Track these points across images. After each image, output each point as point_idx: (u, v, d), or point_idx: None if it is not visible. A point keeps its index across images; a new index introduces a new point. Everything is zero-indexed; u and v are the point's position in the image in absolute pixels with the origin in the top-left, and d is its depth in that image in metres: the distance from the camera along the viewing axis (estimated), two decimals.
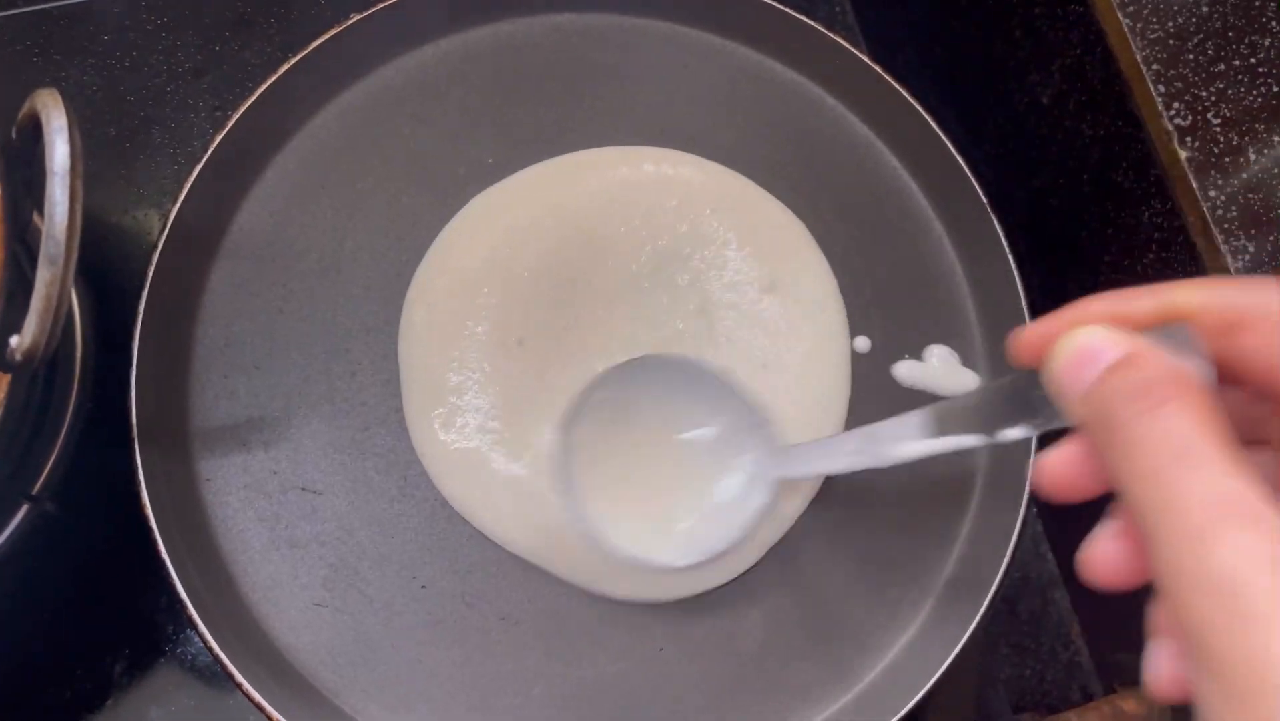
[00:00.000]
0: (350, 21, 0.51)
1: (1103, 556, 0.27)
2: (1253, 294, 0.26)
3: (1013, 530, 0.46)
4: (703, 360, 0.44)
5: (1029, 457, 0.47)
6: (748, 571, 0.47)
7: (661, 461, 0.44)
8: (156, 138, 0.58)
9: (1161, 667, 0.25)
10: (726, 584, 0.47)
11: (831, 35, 0.52)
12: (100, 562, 0.52)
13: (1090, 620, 0.62)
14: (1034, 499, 0.47)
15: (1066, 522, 0.63)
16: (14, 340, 0.36)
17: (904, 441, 0.37)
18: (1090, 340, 0.25)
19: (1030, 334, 0.28)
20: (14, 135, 0.38)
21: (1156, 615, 0.26)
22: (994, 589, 0.45)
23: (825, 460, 0.42)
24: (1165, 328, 0.26)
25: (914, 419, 0.36)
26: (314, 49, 0.50)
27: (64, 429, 0.49)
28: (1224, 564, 0.21)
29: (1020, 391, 0.30)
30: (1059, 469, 0.28)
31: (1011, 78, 0.56)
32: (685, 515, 0.43)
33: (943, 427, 0.35)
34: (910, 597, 0.48)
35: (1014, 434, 0.31)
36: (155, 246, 0.47)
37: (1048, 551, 0.64)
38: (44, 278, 0.34)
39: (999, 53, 0.58)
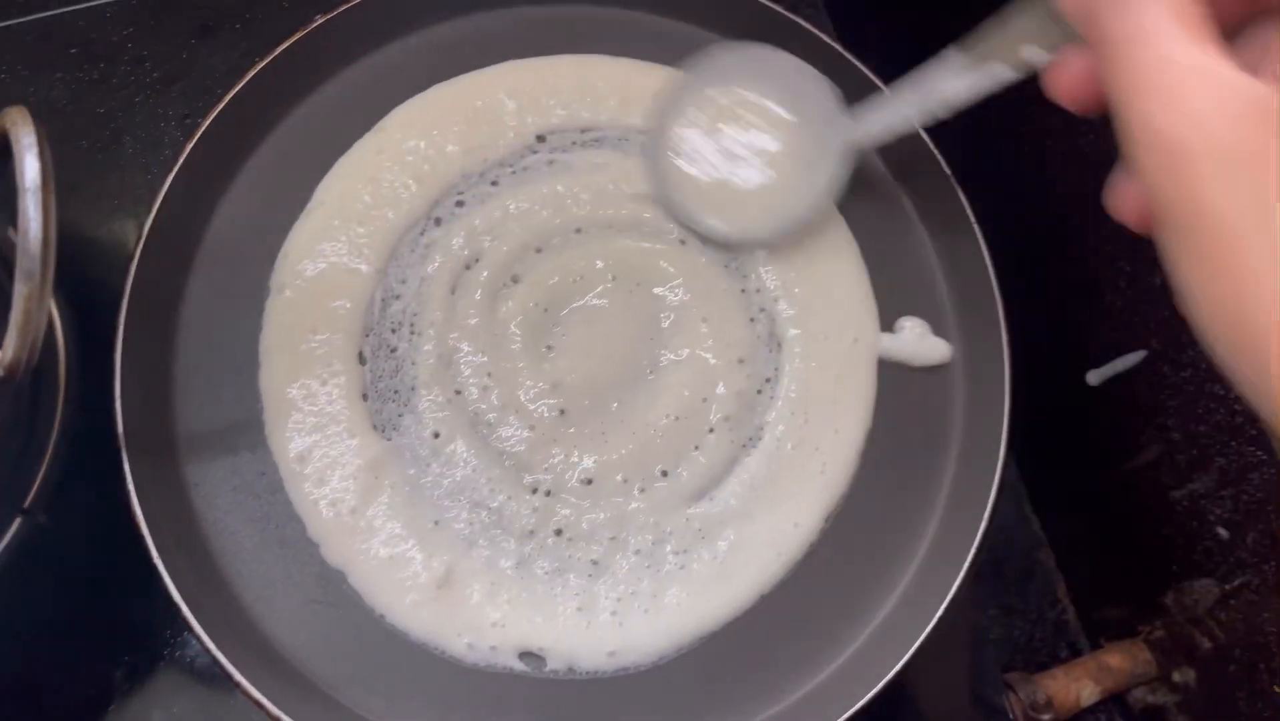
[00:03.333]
0: (315, 24, 0.52)
1: (1125, 194, 0.30)
2: None
3: (990, 490, 0.47)
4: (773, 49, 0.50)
5: (1003, 420, 0.48)
6: None
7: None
8: (128, 148, 0.59)
9: (1126, 197, 0.29)
10: None
11: (791, 16, 0.53)
12: (95, 571, 0.52)
13: (1076, 579, 0.63)
14: (1010, 459, 0.48)
15: (1049, 486, 0.64)
16: None
17: (948, 79, 0.42)
18: None
19: None
20: None
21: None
22: (973, 550, 0.46)
23: (890, 115, 0.47)
24: None
25: (949, 59, 0.42)
26: (281, 52, 0.51)
27: (52, 441, 0.49)
28: (1170, 121, 0.24)
29: (1036, 16, 0.35)
30: (1066, 77, 0.31)
31: None
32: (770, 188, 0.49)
33: (976, 61, 0.40)
34: (894, 564, 0.49)
35: (1035, 56, 0.36)
36: (132, 256, 0.47)
37: (1031, 513, 0.65)
38: (21, 293, 0.35)
39: (962, 26, 0.59)
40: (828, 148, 0.49)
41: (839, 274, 0.52)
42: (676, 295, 0.51)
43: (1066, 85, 0.31)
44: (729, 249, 0.51)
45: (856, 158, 0.49)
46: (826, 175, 0.49)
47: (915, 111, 0.45)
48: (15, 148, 0.35)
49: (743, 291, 0.51)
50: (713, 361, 0.50)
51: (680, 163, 0.51)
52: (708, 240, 0.51)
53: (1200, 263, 0.24)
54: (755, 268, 0.51)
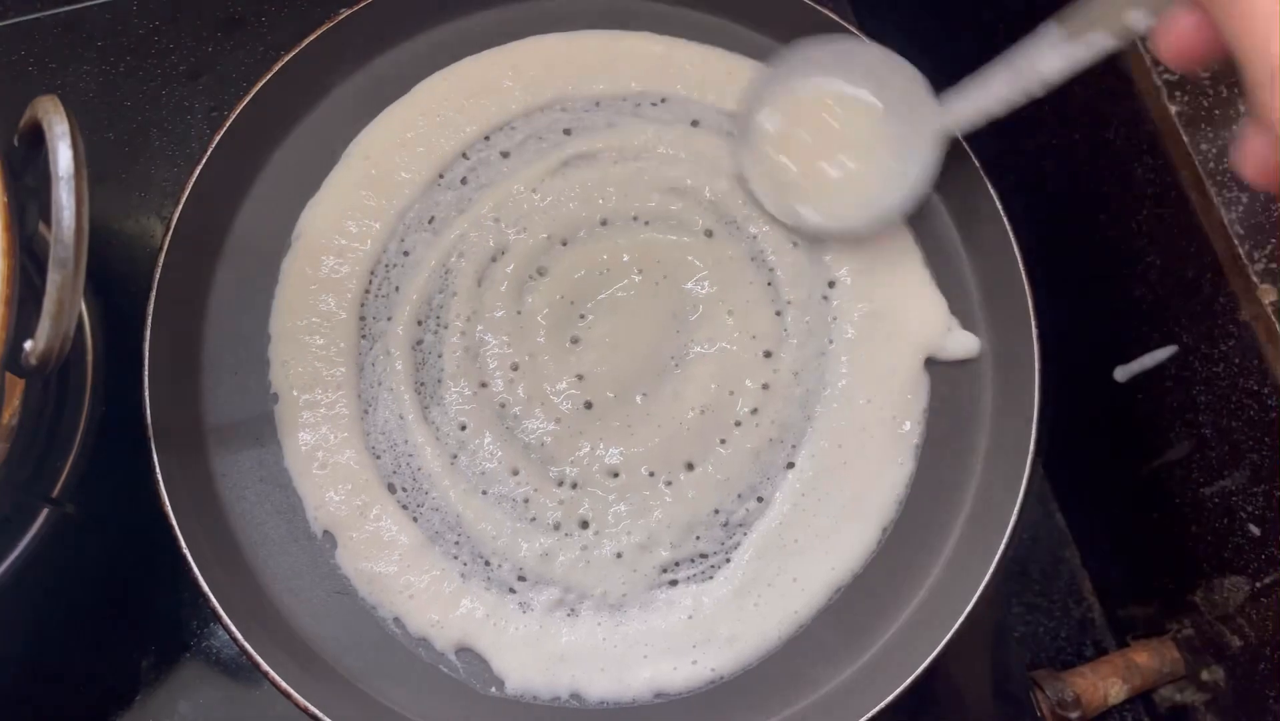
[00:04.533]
0: (340, 17, 0.52)
1: (1249, 150, 0.30)
2: None
3: (1019, 490, 0.47)
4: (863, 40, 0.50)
5: (1031, 424, 0.48)
6: None
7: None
8: (154, 140, 0.59)
9: (1257, 153, 0.30)
10: None
11: (814, 5, 0.52)
12: (122, 562, 0.52)
13: (1102, 576, 0.63)
14: (1039, 461, 0.47)
15: (1075, 483, 0.64)
16: (28, 345, 0.36)
17: (1044, 55, 0.41)
18: None
19: None
20: (15, 143, 0.39)
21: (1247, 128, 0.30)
22: (1002, 548, 0.46)
23: (982, 97, 0.46)
24: None
25: (1045, 31, 0.40)
26: (307, 45, 0.51)
27: (79, 432, 0.50)
28: None
29: None
30: (1177, 37, 0.32)
31: (1002, 40, 0.56)
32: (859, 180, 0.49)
33: (1074, 33, 0.39)
34: (921, 560, 0.49)
35: (1139, 22, 0.35)
36: (160, 248, 0.47)
37: (1057, 511, 0.64)
38: (55, 282, 0.35)
39: (988, 16, 0.58)
40: (919, 136, 0.48)
41: (900, 270, 0.51)
42: (703, 288, 0.50)
43: (1177, 44, 0.32)
44: (819, 240, 0.51)
45: (949, 145, 0.49)
46: (919, 164, 0.48)
47: (1010, 91, 0.44)
48: (48, 136, 0.35)
49: (769, 285, 0.51)
50: (739, 353, 0.49)
51: (769, 150, 0.50)
52: (797, 231, 0.50)
53: None
54: (820, 255, 0.51)
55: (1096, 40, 0.39)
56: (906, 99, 0.49)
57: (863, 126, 0.50)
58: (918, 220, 0.52)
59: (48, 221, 0.37)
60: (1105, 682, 0.54)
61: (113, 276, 0.54)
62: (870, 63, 0.49)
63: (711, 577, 0.47)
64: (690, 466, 0.48)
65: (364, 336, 0.49)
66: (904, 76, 0.49)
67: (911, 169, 0.49)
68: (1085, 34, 0.39)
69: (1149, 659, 0.56)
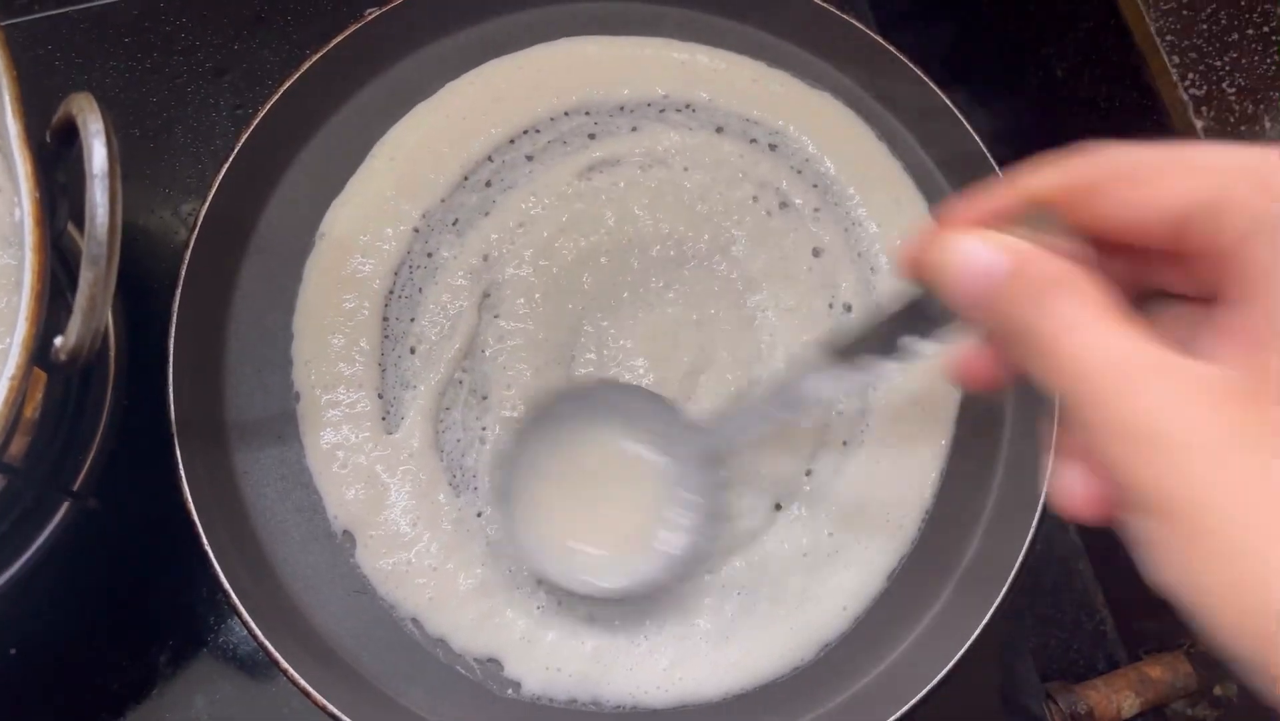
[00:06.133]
0: (369, 17, 0.52)
1: (1066, 482, 0.28)
2: (1094, 161, 0.27)
3: (1035, 509, 0.47)
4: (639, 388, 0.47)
5: (1050, 444, 0.47)
6: None
7: (607, 485, 0.45)
8: (179, 137, 0.59)
9: (1076, 488, 0.27)
10: None
11: (840, 14, 0.52)
12: (140, 556, 0.53)
13: (1114, 589, 0.63)
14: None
15: None
16: (58, 341, 0.37)
17: (815, 381, 0.38)
18: (971, 249, 0.27)
19: (914, 248, 0.30)
20: (48, 139, 0.39)
21: (1064, 443, 0.28)
22: (1018, 564, 0.46)
23: (750, 426, 0.43)
24: (1029, 215, 0.27)
25: (814, 358, 0.37)
26: (335, 45, 0.51)
27: (101, 426, 0.50)
28: (1138, 412, 0.23)
29: (917, 307, 0.31)
30: (970, 364, 0.31)
31: (1026, 52, 0.57)
32: (630, 540, 0.45)
33: (846, 357, 0.36)
34: (938, 571, 0.49)
35: (918, 348, 0.32)
36: (186, 245, 0.47)
37: (1070, 523, 0.64)
38: (87, 279, 0.35)
39: (1012, 27, 0.59)
40: (690, 468, 0.45)
41: None
42: (728, 295, 0.50)
43: (970, 373, 0.32)
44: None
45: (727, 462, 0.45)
46: (698, 497, 0.45)
47: (780, 413, 0.42)
48: (83, 133, 0.35)
49: (756, 323, 0.51)
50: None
51: (546, 529, 0.45)
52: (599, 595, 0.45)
53: (1193, 549, 0.23)
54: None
55: (870, 365, 0.35)
56: (668, 435, 0.45)
57: (634, 481, 0.46)
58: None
59: (77, 219, 0.37)
60: (1119, 696, 0.54)
61: (135, 272, 0.54)
62: (628, 405, 0.46)
63: (738, 591, 0.47)
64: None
65: (386, 336, 0.50)
66: (660, 410, 0.46)
67: (687, 511, 0.45)
68: (857, 359, 0.36)
69: (1162, 672, 0.56)
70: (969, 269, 0.27)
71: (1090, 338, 0.24)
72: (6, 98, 0.37)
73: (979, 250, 0.27)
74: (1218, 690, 0.55)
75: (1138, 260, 0.28)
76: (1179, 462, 0.23)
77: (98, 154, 0.35)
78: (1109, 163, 0.27)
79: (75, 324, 0.36)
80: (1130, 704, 0.54)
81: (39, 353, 0.36)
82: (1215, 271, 0.26)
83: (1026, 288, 0.26)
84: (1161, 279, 0.29)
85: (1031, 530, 0.46)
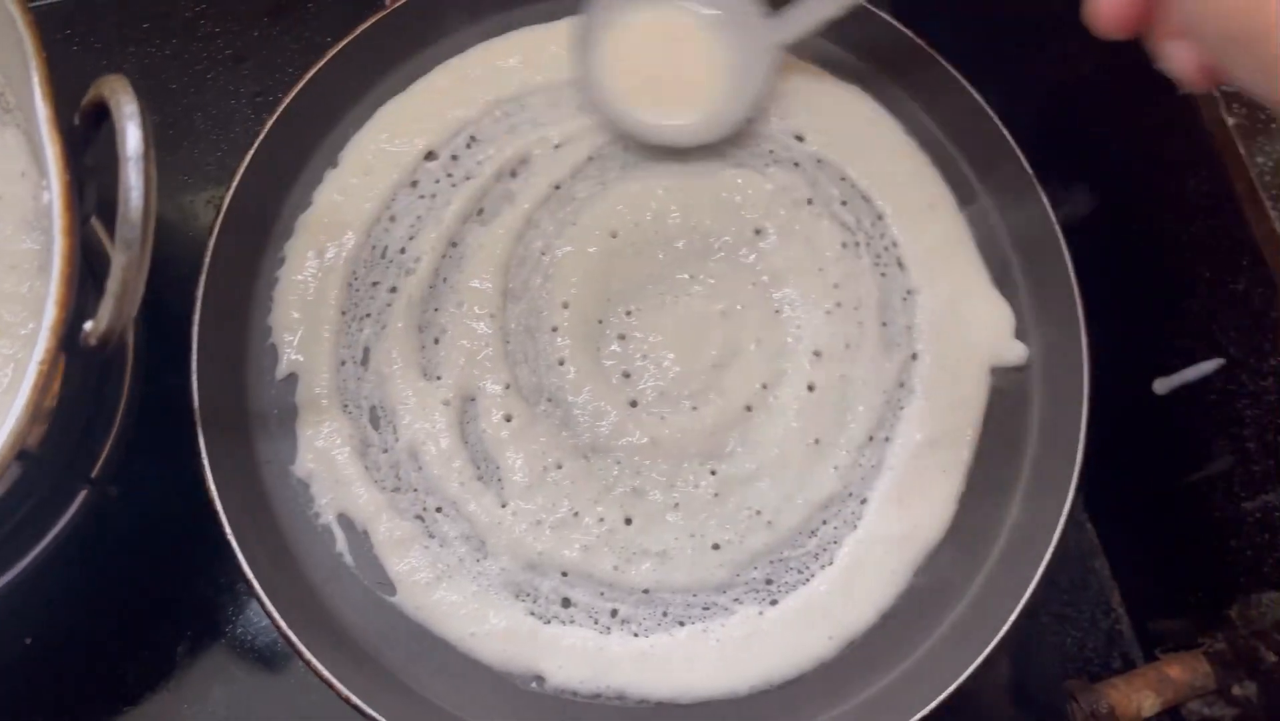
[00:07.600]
0: (391, 8, 0.51)
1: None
2: None
3: (1061, 511, 0.47)
4: None
5: (1078, 444, 0.48)
6: None
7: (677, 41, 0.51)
8: (199, 124, 0.59)
9: (1188, 62, 0.31)
10: None
11: (884, 15, 0.52)
12: (159, 545, 0.52)
13: (1130, 588, 0.62)
14: (1080, 479, 0.47)
15: (1107, 493, 0.63)
16: (88, 325, 0.36)
17: None
18: None
19: None
20: (76, 122, 0.39)
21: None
22: (1042, 568, 0.46)
23: (810, 13, 0.49)
24: None
25: None
26: (358, 34, 0.51)
27: (119, 413, 0.49)
28: None
29: None
30: None
31: (1052, 48, 0.56)
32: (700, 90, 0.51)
33: None
34: (962, 571, 0.48)
35: None
36: (209, 232, 0.47)
37: (1087, 521, 0.64)
38: (120, 262, 0.35)
39: (1038, 23, 0.58)
40: (754, 49, 0.50)
41: (967, 280, 0.52)
42: (752, 288, 0.50)
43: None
44: (665, 149, 0.51)
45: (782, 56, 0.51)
46: (759, 74, 0.50)
47: (837, 5, 0.47)
48: (116, 115, 0.35)
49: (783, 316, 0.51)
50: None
51: (611, 60, 0.51)
52: (636, 137, 0.51)
53: None
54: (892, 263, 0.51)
55: None
56: (741, 17, 0.50)
57: (700, 42, 0.51)
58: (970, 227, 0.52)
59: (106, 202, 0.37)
60: (1139, 695, 0.54)
61: (155, 259, 0.54)
62: None
63: (775, 601, 0.47)
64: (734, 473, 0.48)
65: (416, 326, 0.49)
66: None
67: (750, 80, 0.50)
68: None
69: (1181, 672, 0.56)
70: None
71: None
72: (36, 80, 0.37)
73: None
74: (1236, 689, 0.55)
75: None
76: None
77: (132, 136, 0.34)
78: None
79: (107, 308, 0.35)
80: (1150, 703, 0.54)
81: (67, 338, 0.36)
82: None
83: None
84: None
85: (1058, 530, 0.46)
